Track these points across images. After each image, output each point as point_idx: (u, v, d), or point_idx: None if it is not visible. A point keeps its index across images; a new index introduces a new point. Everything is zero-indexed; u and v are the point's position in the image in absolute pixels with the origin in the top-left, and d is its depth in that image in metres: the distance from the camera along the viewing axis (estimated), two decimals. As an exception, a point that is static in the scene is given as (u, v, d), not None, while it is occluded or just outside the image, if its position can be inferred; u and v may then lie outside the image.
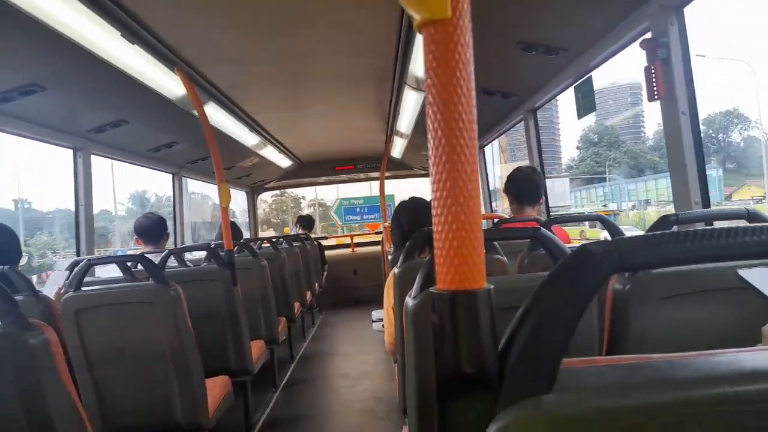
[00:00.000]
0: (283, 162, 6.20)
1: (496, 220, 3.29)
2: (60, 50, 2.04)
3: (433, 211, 0.46)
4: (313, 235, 6.65)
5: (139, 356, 1.95)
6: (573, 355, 0.48)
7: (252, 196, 7.15)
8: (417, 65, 2.84)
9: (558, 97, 2.78)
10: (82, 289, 1.96)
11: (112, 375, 1.96)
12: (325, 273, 6.64)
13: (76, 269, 1.98)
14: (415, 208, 2.16)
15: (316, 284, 5.83)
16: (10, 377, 1.13)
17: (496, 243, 1.76)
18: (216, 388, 2.24)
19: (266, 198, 27.86)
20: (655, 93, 1.74)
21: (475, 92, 0.46)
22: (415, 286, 1.13)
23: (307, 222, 6.66)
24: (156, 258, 2.37)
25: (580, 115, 2.37)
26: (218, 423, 2.19)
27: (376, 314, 2.71)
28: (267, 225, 25.76)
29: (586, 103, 2.32)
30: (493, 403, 0.43)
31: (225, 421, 2.31)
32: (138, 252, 2.86)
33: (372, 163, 6.88)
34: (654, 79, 1.73)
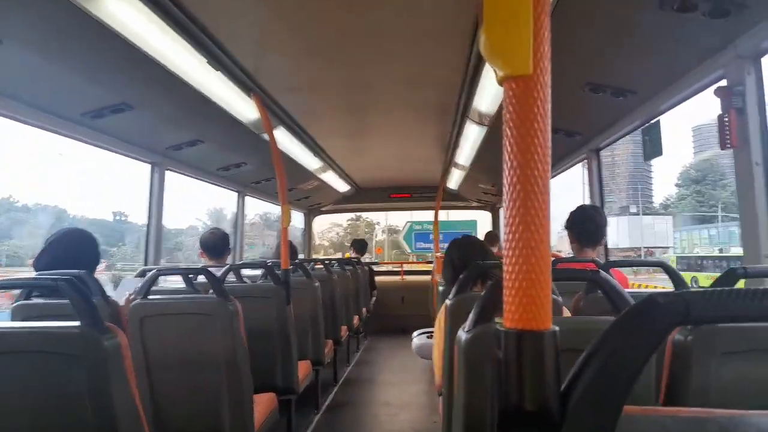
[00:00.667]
0: (342, 186, 6.34)
1: (552, 259, 3.22)
2: (150, 73, 2.22)
3: (505, 252, 0.48)
4: (364, 260, 6.72)
5: (195, 365, 2.03)
6: (628, 402, 0.48)
7: (308, 218, 7.33)
8: (481, 100, 2.88)
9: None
10: (148, 297, 2.08)
11: (167, 381, 2.04)
12: (374, 299, 6.66)
13: (146, 278, 2.11)
14: (466, 245, 2.18)
15: (364, 309, 5.86)
16: (83, 375, 1.21)
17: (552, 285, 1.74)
18: (263, 403, 2.29)
19: (341, 222, 28.36)
20: (728, 142, 1.69)
21: (550, 142, 0.48)
22: (469, 320, 1.14)
23: (360, 246, 6.74)
24: (217, 272, 2.48)
25: (646, 158, 2.32)
26: None
27: (417, 332, 2.69)
28: (335, 249, 25.85)
29: (653, 147, 2.27)
30: None
31: None
32: (201, 265, 3.00)
33: (427, 192, 6.91)
34: (727, 128, 1.69)
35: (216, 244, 3.18)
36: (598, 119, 2.78)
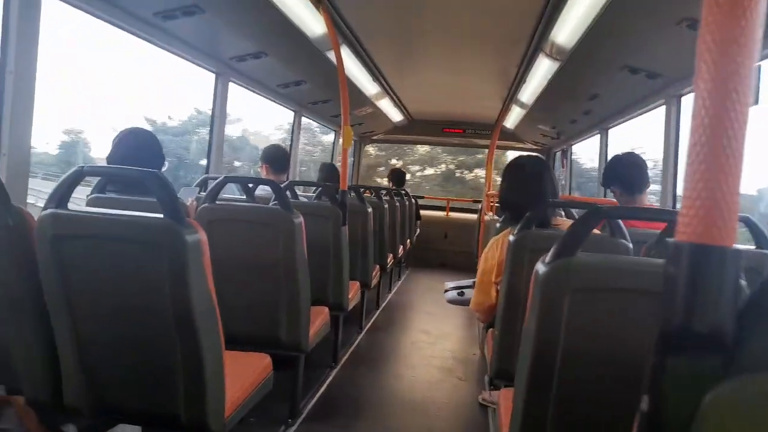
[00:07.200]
0: (395, 116, 6.25)
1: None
2: None
3: (690, 152, 0.43)
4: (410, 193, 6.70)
5: (256, 272, 2.11)
6: None
7: (359, 145, 7.32)
8: (560, 31, 2.71)
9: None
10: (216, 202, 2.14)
11: (229, 285, 2.12)
12: (418, 230, 6.71)
13: (214, 184, 2.16)
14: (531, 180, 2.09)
15: (408, 240, 5.92)
16: (164, 265, 1.26)
17: (624, 229, 1.70)
18: (317, 315, 2.39)
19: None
20: None
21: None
22: (550, 253, 1.12)
23: (398, 177, 6.66)
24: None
25: None
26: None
27: (450, 284, 2.66)
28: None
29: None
30: (720, 368, 0.41)
31: (315, 349, 2.46)
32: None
33: (481, 129, 6.75)
34: None
35: (279, 157, 3.22)
36: (686, 61, 2.58)
